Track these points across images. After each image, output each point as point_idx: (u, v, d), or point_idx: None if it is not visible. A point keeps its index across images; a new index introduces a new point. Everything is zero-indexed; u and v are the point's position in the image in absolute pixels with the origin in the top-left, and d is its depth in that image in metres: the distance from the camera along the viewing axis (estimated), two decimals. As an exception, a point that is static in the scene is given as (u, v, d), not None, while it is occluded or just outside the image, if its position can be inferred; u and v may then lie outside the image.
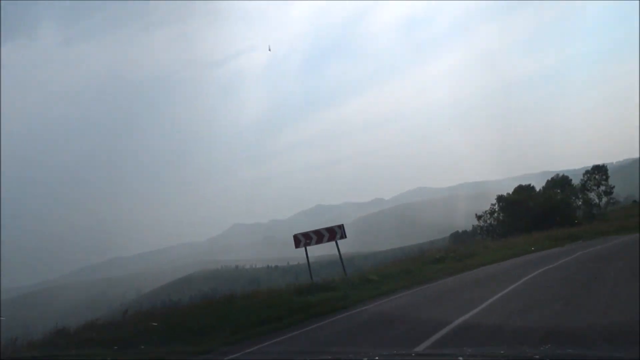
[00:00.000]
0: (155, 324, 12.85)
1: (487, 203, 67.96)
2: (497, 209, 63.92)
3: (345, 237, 20.72)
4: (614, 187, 76.55)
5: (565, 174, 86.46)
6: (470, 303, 11.20)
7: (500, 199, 64.57)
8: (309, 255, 21.88)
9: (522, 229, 49.22)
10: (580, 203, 73.92)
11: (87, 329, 13.27)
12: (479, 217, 65.41)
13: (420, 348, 7.57)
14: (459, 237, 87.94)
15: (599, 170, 76.43)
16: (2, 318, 18.72)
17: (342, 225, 21.24)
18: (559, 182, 79.55)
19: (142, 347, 11.31)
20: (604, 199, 74.22)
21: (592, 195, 74.90)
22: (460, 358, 4.73)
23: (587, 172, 77.40)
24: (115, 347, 11.28)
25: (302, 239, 21.38)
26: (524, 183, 77.57)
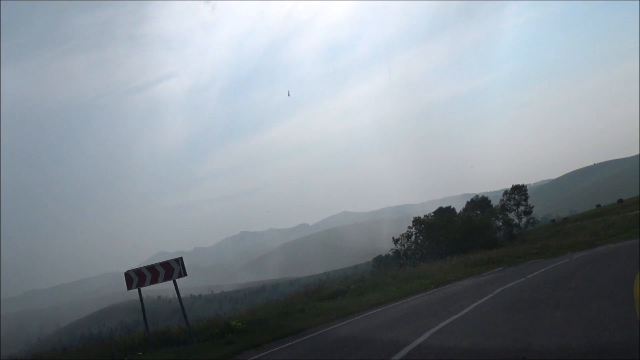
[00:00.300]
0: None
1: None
2: (414, 232, 60.16)
3: (185, 274, 14.95)
4: (533, 207, 75.46)
5: (485, 196, 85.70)
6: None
7: (417, 221, 60.94)
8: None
9: (441, 252, 46.46)
10: (500, 224, 72.25)
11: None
12: (396, 241, 61.44)
13: None
14: (382, 261, 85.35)
15: (518, 191, 75.56)
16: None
17: (181, 259, 15.40)
18: (479, 203, 78.95)
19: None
20: (524, 219, 72.79)
21: (512, 215, 73.51)
22: None
23: (506, 192, 76.19)
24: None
25: (135, 278, 15.40)
26: (445, 205, 76.31)
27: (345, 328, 13.50)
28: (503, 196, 75.97)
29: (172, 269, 15.04)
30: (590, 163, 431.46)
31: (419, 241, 60.11)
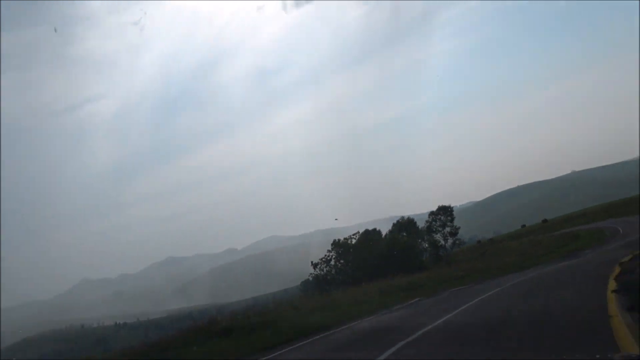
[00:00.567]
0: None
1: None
2: (333, 256, 55.62)
3: None
4: (459, 228, 73.19)
5: (412, 217, 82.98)
6: None
7: (336, 244, 56.48)
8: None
9: (363, 276, 42.44)
10: (426, 245, 69.41)
11: None
12: (315, 265, 56.68)
13: None
14: (309, 285, 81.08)
15: (444, 211, 73.39)
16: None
17: None
18: (405, 225, 75.94)
19: None
20: (450, 240, 70.30)
21: (438, 237, 70.86)
22: None
23: (432, 213, 73.51)
24: None
25: None
26: (376, 228, 73.28)
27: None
28: (429, 217, 73.39)
29: None
30: (515, 185, 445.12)
31: (338, 265, 55.61)
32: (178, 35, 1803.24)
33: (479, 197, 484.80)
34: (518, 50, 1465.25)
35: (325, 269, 56.20)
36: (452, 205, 78.92)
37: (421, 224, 77.42)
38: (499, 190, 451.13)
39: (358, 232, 60.79)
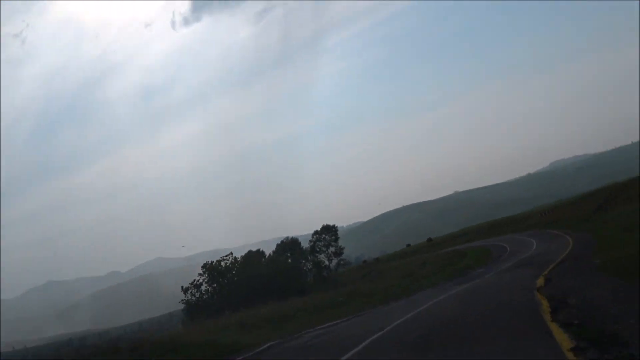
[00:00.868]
0: None
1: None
2: (204, 280, 49.86)
3: None
4: (344, 247, 70.29)
5: (296, 237, 78.95)
6: None
7: (206, 267, 50.80)
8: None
9: (241, 300, 37.69)
10: (310, 266, 65.54)
11: None
12: (185, 290, 50.47)
13: None
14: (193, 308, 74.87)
15: (328, 231, 70.42)
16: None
17: None
18: (289, 246, 71.62)
19: None
20: (335, 261, 66.95)
21: (323, 257, 67.49)
22: None
23: (316, 232, 69.89)
24: None
25: None
26: (259, 249, 69.91)
27: None
28: (313, 237, 69.80)
29: None
30: (400, 205, 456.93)
31: (209, 290, 49.89)
32: (62, 49, 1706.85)
33: (366, 217, 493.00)
34: (404, 73, 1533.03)
35: (196, 294, 50.12)
36: (338, 226, 76.14)
37: (306, 244, 73.88)
38: (384, 211, 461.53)
39: (231, 253, 55.27)
